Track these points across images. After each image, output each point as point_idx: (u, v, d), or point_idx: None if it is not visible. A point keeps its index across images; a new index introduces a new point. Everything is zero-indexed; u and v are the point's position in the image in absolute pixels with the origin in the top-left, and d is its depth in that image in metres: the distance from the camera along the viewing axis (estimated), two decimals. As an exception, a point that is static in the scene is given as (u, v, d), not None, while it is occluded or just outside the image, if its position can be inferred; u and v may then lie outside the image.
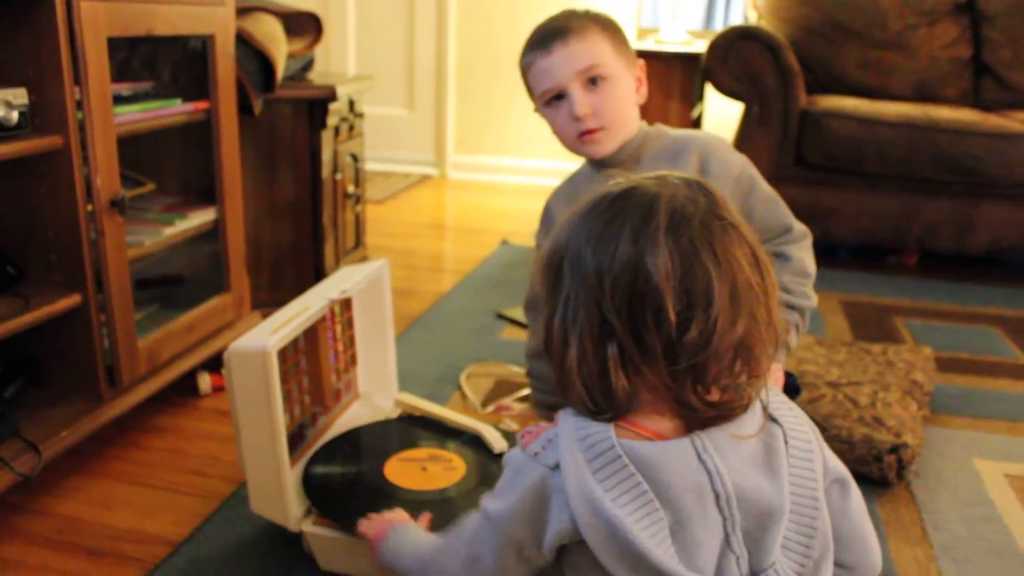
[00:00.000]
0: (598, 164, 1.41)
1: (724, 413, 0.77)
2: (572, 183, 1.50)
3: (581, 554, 0.77)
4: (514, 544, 0.82)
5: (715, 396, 0.76)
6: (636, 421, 0.77)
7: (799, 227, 1.41)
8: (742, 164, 1.39)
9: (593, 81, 1.34)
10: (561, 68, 1.34)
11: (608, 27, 1.38)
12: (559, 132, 1.40)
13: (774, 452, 0.79)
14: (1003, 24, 3.14)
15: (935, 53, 3.17)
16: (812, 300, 1.40)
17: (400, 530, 1.07)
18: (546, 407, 1.52)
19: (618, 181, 0.81)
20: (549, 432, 0.81)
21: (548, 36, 1.37)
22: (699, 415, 0.77)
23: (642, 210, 0.75)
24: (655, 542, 0.73)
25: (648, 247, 0.73)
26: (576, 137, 1.37)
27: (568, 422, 0.79)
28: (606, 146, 1.38)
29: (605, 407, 0.77)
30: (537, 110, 1.42)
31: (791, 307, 1.37)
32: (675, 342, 0.73)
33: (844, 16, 3.19)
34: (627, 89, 1.38)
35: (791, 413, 0.83)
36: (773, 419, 0.81)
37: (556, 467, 0.77)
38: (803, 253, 1.41)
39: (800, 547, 0.79)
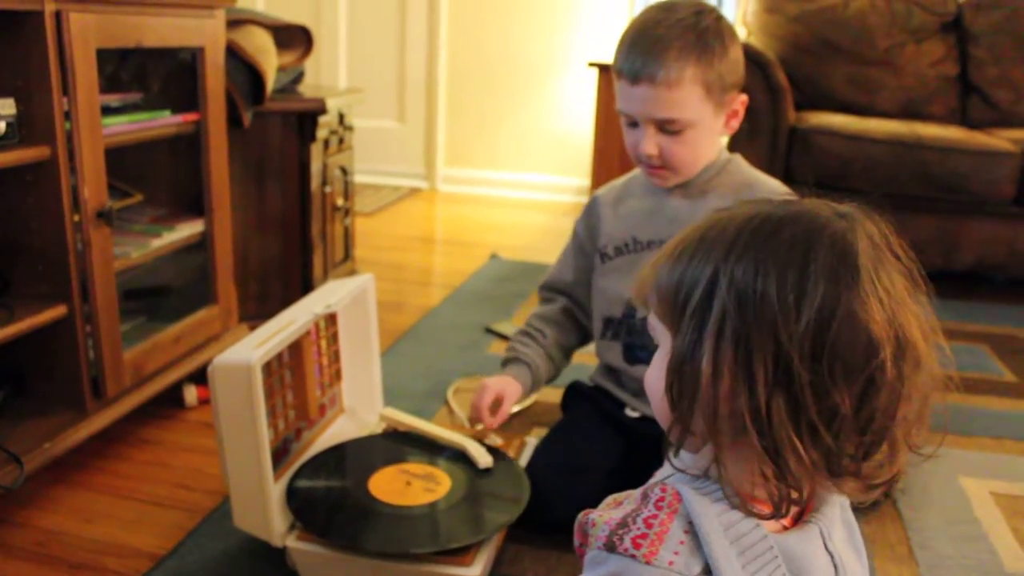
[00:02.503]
0: None
1: (870, 492, 0.66)
2: (628, 182, 1.50)
3: None
4: None
5: (872, 470, 0.65)
6: (754, 494, 0.65)
7: None
8: None
9: (669, 130, 1.31)
10: (640, 106, 1.30)
11: (711, 65, 1.26)
12: (628, 149, 1.38)
13: (853, 530, 0.73)
14: (989, 43, 3.17)
15: (922, 71, 3.20)
16: None
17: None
18: (521, 363, 1.50)
19: (780, 205, 0.68)
20: (676, 528, 0.64)
21: (640, 65, 1.27)
22: (849, 492, 0.66)
23: (833, 244, 0.63)
24: None
25: (848, 288, 0.61)
26: (640, 163, 1.37)
27: (702, 508, 0.64)
28: (670, 182, 1.39)
29: (745, 467, 0.64)
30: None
31: None
32: (868, 404, 0.62)
33: (833, 34, 3.21)
34: (708, 131, 1.33)
35: None
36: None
37: (703, 574, 0.62)
38: None
39: None
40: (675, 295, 0.66)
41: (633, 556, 0.62)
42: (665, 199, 1.43)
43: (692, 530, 0.63)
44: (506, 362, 1.54)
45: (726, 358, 0.62)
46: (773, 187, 1.39)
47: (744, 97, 1.36)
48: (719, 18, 1.31)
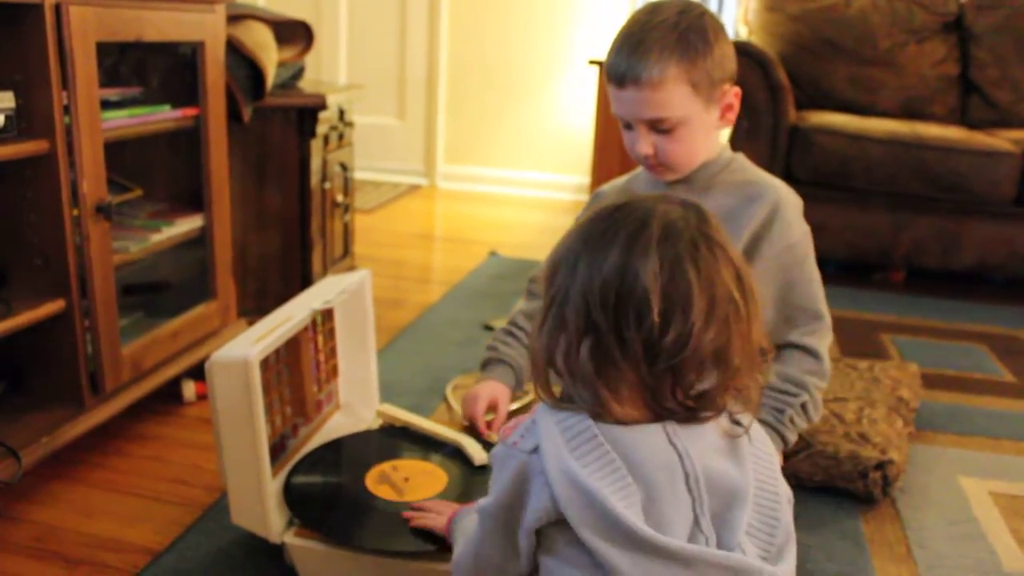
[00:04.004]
0: None
1: (697, 416, 0.82)
2: (633, 179, 1.51)
3: (557, 534, 0.81)
4: (506, 533, 0.85)
5: (691, 400, 0.81)
6: (611, 412, 0.81)
7: (828, 319, 1.40)
8: (803, 235, 1.38)
9: (660, 129, 1.32)
10: (629, 108, 1.31)
11: (694, 61, 1.27)
12: (627, 150, 1.39)
13: (737, 444, 0.85)
14: (990, 43, 3.17)
15: (923, 71, 3.19)
16: (819, 414, 1.40)
17: (461, 518, 1.10)
18: (504, 364, 1.54)
19: (621, 197, 0.87)
20: (526, 422, 0.85)
21: (625, 68, 1.28)
22: (674, 416, 0.82)
23: (637, 222, 0.81)
24: (631, 512, 0.76)
25: (639, 254, 0.79)
26: (639, 162, 1.39)
27: (546, 410, 0.84)
28: (670, 177, 1.39)
29: (585, 399, 0.81)
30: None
31: (803, 409, 1.37)
32: (655, 343, 0.78)
33: (834, 33, 3.21)
34: (701, 127, 1.33)
35: (758, 430, 0.89)
36: (737, 422, 0.86)
37: (535, 451, 0.81)
38: (827, 355, 1.41)
39: (764, 534, 0.83)
40: (544, 274, 0.87)
41: (501, 438, 0.86)
42: (665, 187, 1.43)
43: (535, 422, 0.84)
44: (488, 362, 1.56)
45: (553, 314, 0.83)
46: (776, 186, 1.39)
47: (737, 89, 1.36)
48: (702, 15, 1.31)
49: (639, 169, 1.49)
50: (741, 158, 1.44)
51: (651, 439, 0.80)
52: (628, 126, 1.35)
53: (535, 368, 0.87)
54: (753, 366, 0.83)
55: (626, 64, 1.28)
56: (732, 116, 1.37)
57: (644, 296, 0.77)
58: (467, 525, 1.05)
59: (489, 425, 1.47)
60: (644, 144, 1.33)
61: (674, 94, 1.28)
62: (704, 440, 0.82)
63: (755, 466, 0.85)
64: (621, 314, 0.78)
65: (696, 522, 0.79)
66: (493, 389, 1.50)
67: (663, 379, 0.79)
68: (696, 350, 0.78)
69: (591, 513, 0.77)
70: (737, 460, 0.84)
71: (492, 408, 1.49)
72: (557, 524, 0.80)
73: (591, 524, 0.77)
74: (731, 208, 1.36)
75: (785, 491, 0.87)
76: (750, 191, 1.38)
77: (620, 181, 1.54)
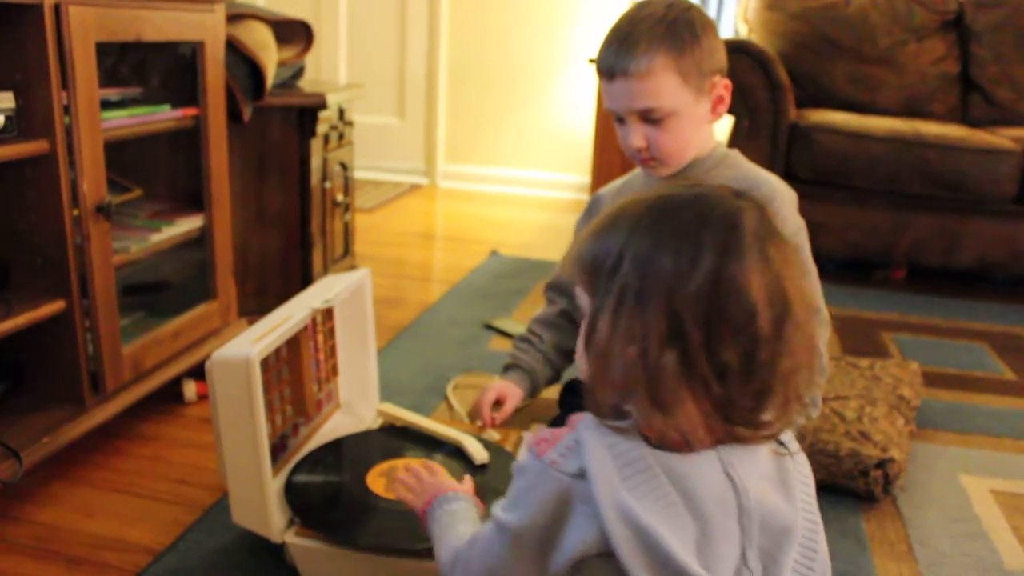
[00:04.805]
0: None
1: (766, 438, 0.76)
2: (629, 179, 1.53)
3: (600, 565, 0.74)
4: (531, 558, 0.79)
5: (767, 420, 0.74)
6: (672, 433, 0.73)
7: (825, 314, 1.40)
8: (798, 228, 1.37)
9: (651, 119, 1.33)
10: (620, 100, 1.33)
11: (683, 53, 1.29)
12: (621, 146, 1.40)
13: (786, 472, 0.79)
14: (990, 41, 3.17)
15: (923, 69, 3.19)
16: (818, 411, 1.40)
17: (443, 507, 1.03)
18: (520, 370, 1.58)
19: (684, 188, 0.78)
20: (568, 439, 0.77)
21: (614, 60, 1.31)
22: (743, 438, 0.75)
23: (724, 221, 0.73)
24: (685, 551, 0.72)
25: (735, 259, 0.70)
26: (632, 157, 1.39)
27: (593, 428, 0.76)
28: (663, 172, 1.40)
29: (642, 417, 0.74)
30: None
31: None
32: (753, 359, 0.71)
33: (834, 31, 3.20)
34: (692, 119, 1.34)
35: (792, 441, 0.83)
36: (780, 442, 0.80)
37: (579, 475, 0.74)
38: (825, 351, 1.39)
39: (803, 568, 0.79)
40: (591, 266, 0.77)
41: (533, 453, 0.78)
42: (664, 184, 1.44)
43: (580, 441, 0.76)
44: (507, 368, 1.61)
45: (624, 318, 0.72)
46: (772, 182, 1.39)
47: (727, 82, 1.37)
48: (689, 8, 1.33)
49: (637, 169, 1.49)
50: (735, 154, 1.44)
51: (707, 469, 0.74)
52: (620, 120, 1.36)
53: (595, 379, 0.77)
54: (815, 379, 0.77)
55: (615, 57, 1.31)
56: (723, 109, 1.38)
57: (748, 308, 0.70)
58: (456, 526, 0.98)
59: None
60: (636, 137, 1.34)
61: (663, 84, 1.29)
62: (757, 468, 0.77)
63: (800, 493, 0.80)
64: (718, 327, 0.70)
65: (743, 556, 0.75)
66: (505, 387, 1.56)
67: (743, 398, 0.72)
68: (788, 366, 0.72)
69: (644, 552, 0.71)
70: (786, 490, 0.79)
71: (500, 403, 1.54)
72: (601, 556, 0.74)
73: (643, 562, 0.71)
74: None
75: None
76: (744, 186, 1.38)
77: (617, 183, 1.56)
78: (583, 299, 0.79)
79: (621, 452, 0.74)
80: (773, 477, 0.79)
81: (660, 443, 0.74)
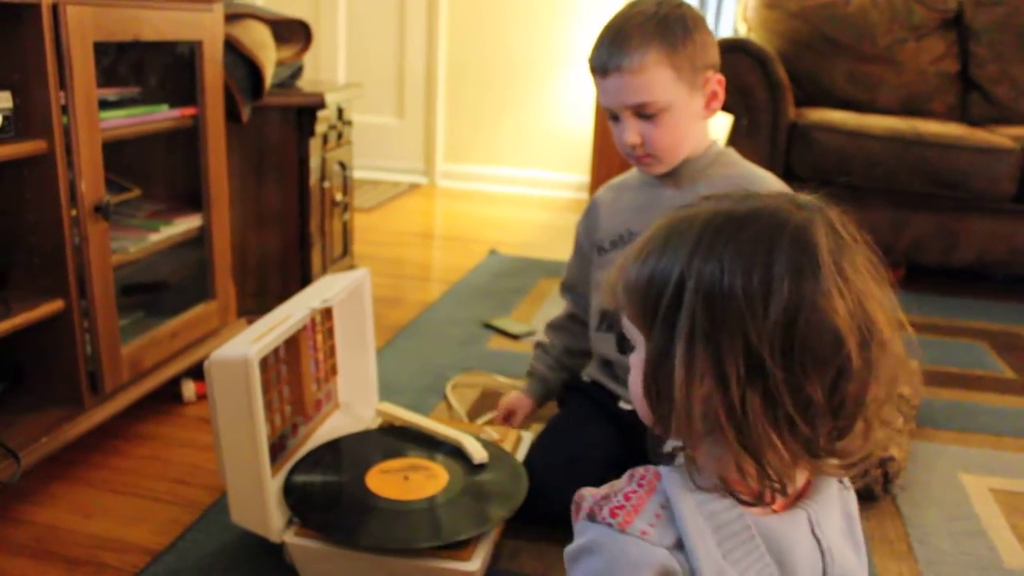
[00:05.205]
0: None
1: (851, 467, 0.69)
2: (626, 179, 1.53)
3: None
4: None
5: (852, 449, 0.68)
6: (755, 476, 0.66)
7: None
8: None
9: (646, 115, 1.33)
10: (614, 96, 1.34)
11: (675, 47, 1.30)
12: (616, 144, 1.41)
13: (853, 522, 0.75)
14: (989, 40, 3.17)
15: (923, 67, 3.19)
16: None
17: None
18: (534, 377, 1.63)
19: (740, 201, 0.70)
20: (653, 503, 0.67)
21: (607, 57, 1.32)
22: (828, 470, 0.69)
23: (794, 239, 0.65)
24: None
25: (812, 283, 0.63)
26: (628, 155, 1.40)
27: (680, 487, 0.67)
28: (658, 169, 1.40)
29: (725, 469, 0.66)
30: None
31: None
32: (839, 392, 0.64)
33: (833, 30, 3.20)
34: (686, 114, 1.34)
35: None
36: (840, 481, 0.74)
37: (678, 546, 0.65)
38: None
39: None
40: (644, 298, 0.68)
41: (610, 524, 0.66)
42: (658, 191, 1.44)
43: (668, 506, 0.67)
44: (527, 374, 1.67)
45: (698, 360, 0.64)
46: (767, 180, 1.39)
47: (721, 77, 1.37)
48: (679, 5, 1.34)
49: (634, 169, 1.49)
50: (731, 152, 1.44)
51: (800, 532, 0.68)
52: (615, 118, 1.37)
53: (666, 426, 0.68)
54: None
55: (608, 53, 1.32)
56: (717, 104, 1.39)
57: (835, 337, 0.62)
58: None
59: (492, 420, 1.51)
60: (631, 133, 1.34)
61: (657, 78, 1.30)
62: (834, 521, 0.71)
63: (862, 544, 0.76)
64: (802, 359, 0.62)
65: None
66: (512, 401, 1.62)
67: (830, 433, 0.65)
68: (879, 393, 0.66)
69: None
70: (855, 543, 0.75)
71: (510, 415, 1.61)
72: None
73: None
74: None
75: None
76: (739, 184, 1.38)
77: (614, 182, 1.55)
78: (632, 331, 0.72)
79: (714, 513, 0.66)
80: (845, 531, 0.75)
81: (751, 496, 0.67)
